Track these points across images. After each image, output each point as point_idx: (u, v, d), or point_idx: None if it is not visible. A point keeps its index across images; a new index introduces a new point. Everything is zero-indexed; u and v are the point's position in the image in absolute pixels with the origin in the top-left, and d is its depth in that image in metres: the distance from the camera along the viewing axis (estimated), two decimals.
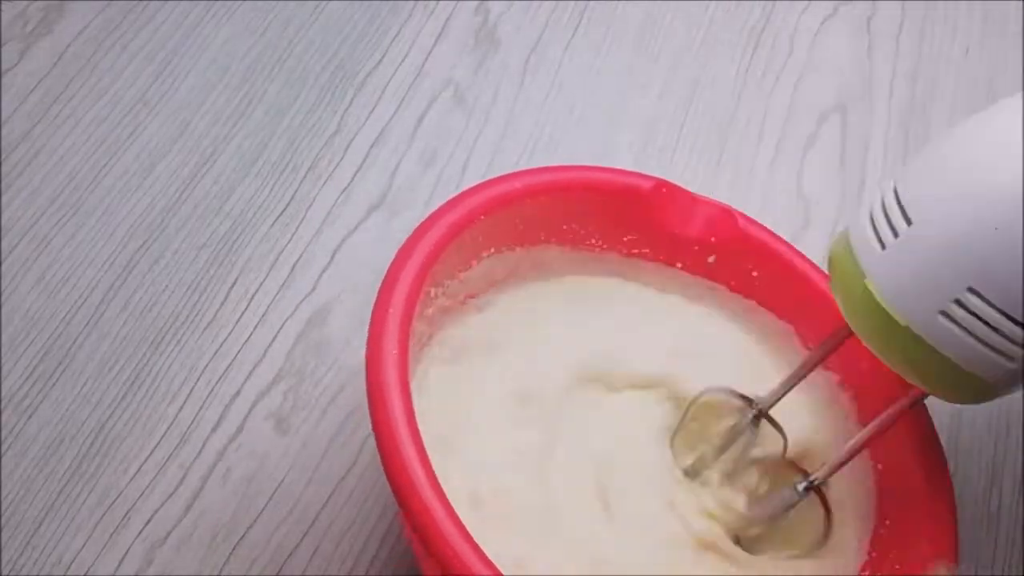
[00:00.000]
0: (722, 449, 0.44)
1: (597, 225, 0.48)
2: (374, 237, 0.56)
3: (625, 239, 0.48)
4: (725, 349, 0.48)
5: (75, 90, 0.58)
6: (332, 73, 0.61)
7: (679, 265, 0.49)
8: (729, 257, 0.48)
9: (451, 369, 0.45)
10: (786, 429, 0.44)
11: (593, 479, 0.44)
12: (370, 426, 0.51)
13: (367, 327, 0.53)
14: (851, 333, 0.39)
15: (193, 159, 0.57)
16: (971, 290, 0.34)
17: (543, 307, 0.48)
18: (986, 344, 0.35)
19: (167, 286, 0.53)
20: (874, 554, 0.44)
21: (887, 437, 0.43)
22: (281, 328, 0.53)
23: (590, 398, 0.46)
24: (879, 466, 0.45)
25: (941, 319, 0.35)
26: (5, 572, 0.46)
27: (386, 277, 0.42)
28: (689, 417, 0.45)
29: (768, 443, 0.45)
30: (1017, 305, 0.34)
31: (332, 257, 0.55)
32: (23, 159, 0.55)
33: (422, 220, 0.44)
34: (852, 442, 0.42)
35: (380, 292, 0.41)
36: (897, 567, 0.42)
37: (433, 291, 0.44)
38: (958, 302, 0.35)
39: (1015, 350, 0.35)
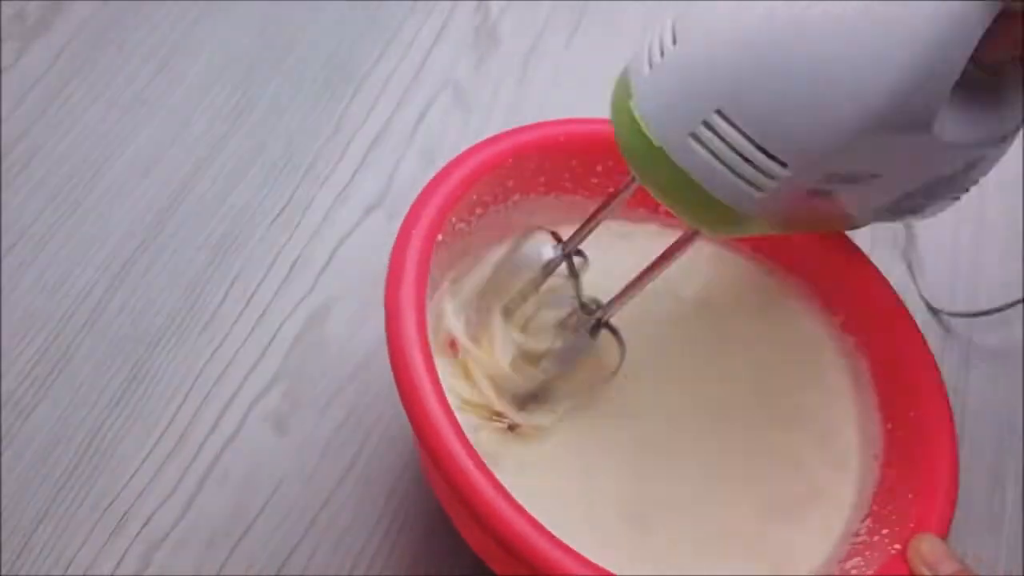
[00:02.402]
0: (534, 285, 0.46)
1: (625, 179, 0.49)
2: (373, 238, 0.56)
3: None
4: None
5: (73, 89, 0.58)
6: (331, 72, 0.61)
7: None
8: None
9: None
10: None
11: None
12: (368, 426, 0.51)
13: (366, 327, 0.53)
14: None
15: (191, 159, 0.57)
16: (719, 113, 0.35)
17: None
18: (733, 171, 0.36)
19: (165, 286, 0.53)
20: (875, 508, 0.44)
21: (901, 402, 0.44)
22: (279, 329, 0.53)
23: None
24: (889, 425, 0.46)
25: (691, 142, 0.36)
26: (3, 574, 0.46)
27: (412, 207, 0.43)
28: (509, 258, 0.46)
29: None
30: (762, 131, 0.35)
31: (330, 257, 0.55)
32: (21, 158, 0.55)
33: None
34: (636, 277, 0.43)
35: (405, 221, 0.42)
36: (886, 532, 0.43)
37: (458, 224, 0.45)
38: (707, 124, 0.35)
39: (761, 179, 0.35)
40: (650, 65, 0.37)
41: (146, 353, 0.51)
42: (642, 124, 0.37)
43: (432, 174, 0.45)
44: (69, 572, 0.46)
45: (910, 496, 0.43)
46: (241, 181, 0.56)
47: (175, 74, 0.59)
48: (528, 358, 0.45)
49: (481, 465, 0.38)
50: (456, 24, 0.63)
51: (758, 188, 0.36)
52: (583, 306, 0.44)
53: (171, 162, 0.56)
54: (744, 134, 0.35)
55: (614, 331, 0.45)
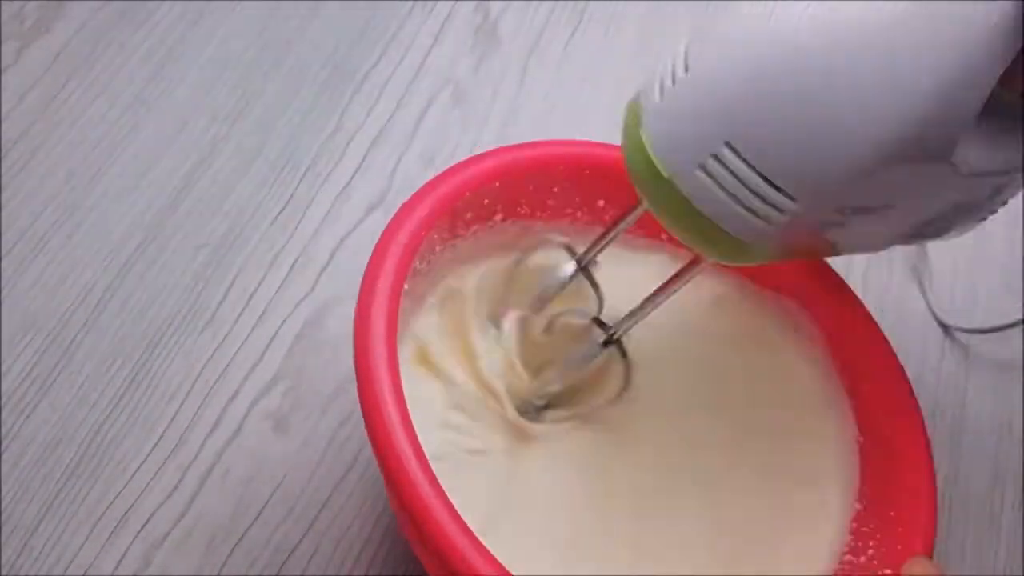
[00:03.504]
0: (541, 300, 0.45)
1: (583, 199, 0.48)
2: (373, 237, 0.55)
3: (608, 216, 0.48)
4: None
5: (73, 89, 0.58)
6: (331, 72, 0.61)
7: (664, 236, 0.49)
8: None
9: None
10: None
11: None
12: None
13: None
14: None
15: (191, 158, 0.57)
16: (728, 145, 0.34)
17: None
18: (742, 203, 0.35)
19: (165, 286, 0.53)
20: (854, 525, 0.44)
21: (873, 412, 0.45)
22: (280, 328, 0.53)
23: None
24: (861, 439, 0.46)
25: (700, 173, 0.35)
26: (3, 573, 0.46)
27: (376, 247, 0.42)
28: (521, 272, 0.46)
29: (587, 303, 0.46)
30: (771, 165, 0.34)
31: (331, 257, 0.55)
32: (21, 158, 0.55)
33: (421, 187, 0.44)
34: (647, 297, 0.42)
35: (369, 264, 0.42)
36: (871, 551, 0.43)
37: (420, 264, 0.44)
38: (716, 157, 0.35)
39: (770, 212, 0.35)
40: (661, 93, 0.36)
41: (146, 353, 0.51)
42: (651, 153, 0.36)
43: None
44: (69, 571, 0.46)
45: (891, 514, 0.43)
46: (241, 181, 0.56)
47: (175, 74, 0.59)
48: (536, 365, 0.45)
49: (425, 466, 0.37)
50: (456, 24, 0.64)
51: (766, 221, 0.35)
52: (599, 321, 0.44)
53: (171, 162, 0.56)
54: (753, 167, 0.34)
55: (623, 350, 0.44)
